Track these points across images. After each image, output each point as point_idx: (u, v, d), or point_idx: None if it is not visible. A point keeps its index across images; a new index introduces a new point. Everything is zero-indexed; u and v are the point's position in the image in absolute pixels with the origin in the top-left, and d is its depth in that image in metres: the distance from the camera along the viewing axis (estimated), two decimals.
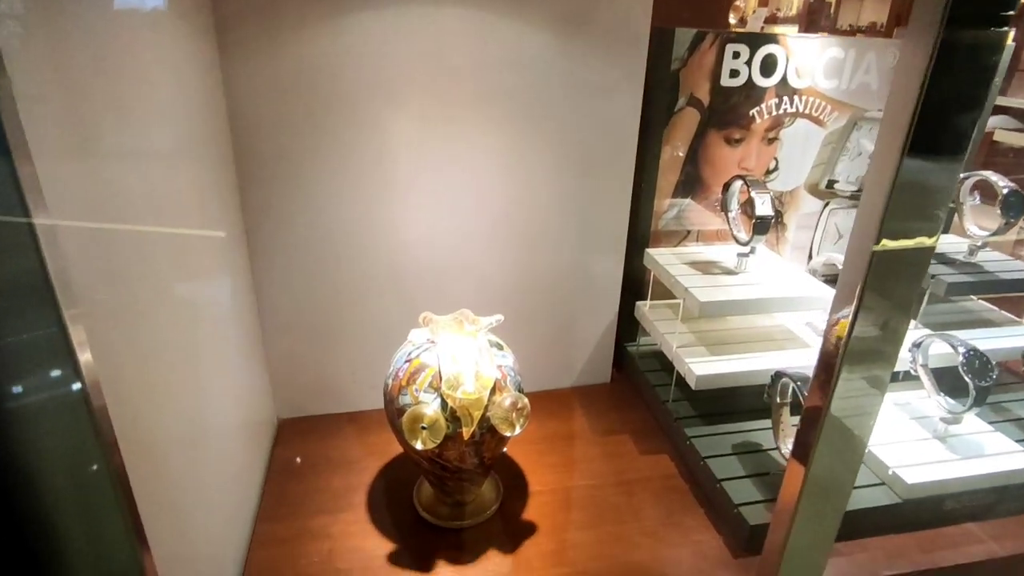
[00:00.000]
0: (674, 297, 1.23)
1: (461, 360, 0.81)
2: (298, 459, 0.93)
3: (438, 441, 0.77)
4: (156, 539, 0.56)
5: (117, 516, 0.50)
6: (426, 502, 0.93)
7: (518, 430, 0.80)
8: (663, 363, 1.23)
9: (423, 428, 0.77)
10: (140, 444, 0.59)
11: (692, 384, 1.00)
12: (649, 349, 1.30)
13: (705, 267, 1.14)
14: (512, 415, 0.80)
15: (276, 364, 1.07)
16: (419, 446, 0.77)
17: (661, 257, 1.18)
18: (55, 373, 0.44)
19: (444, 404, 0.78)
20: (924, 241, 0.62)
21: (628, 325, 1.27)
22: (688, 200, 1.25)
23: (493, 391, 0.80)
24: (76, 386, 0.46)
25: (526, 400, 0.83)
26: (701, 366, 1.02)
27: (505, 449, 1.03)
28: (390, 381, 0.84)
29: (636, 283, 1.25)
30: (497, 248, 1.07)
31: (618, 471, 1.00)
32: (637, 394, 1.21)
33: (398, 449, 1.03)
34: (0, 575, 0.45)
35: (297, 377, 1.10)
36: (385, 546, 0.87)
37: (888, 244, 0.61)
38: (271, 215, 0.97)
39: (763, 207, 1.05)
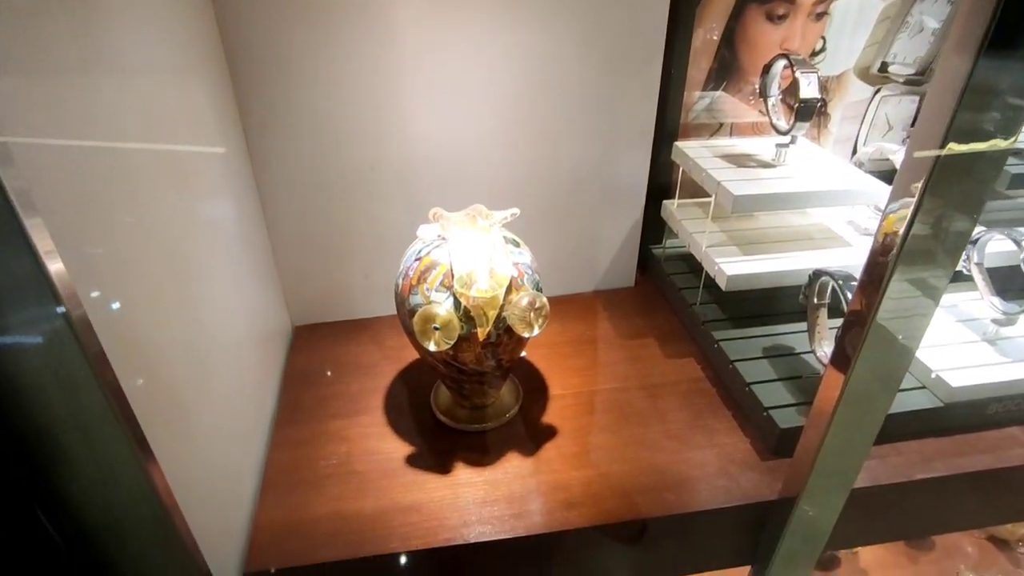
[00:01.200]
0: (704, 195, 1.19)
1: (474, 257, 0.77)
2: (328, 372, 0.93)
3: (452, 342, 0.74)
4: (165, 446, 0.56)
5: (115, 429, 0.50)
6: (444, 406, 0.92)
7: (536, 331, 0.77)
8: (690, 265, 1.21)
9: (435, 329, 0.74)
10: (141, 358, 0.58)
11: (723, 285, 0.96)
12: (675, 252, 1.25)
13: (739, 160, 1.06)
14: (529, 315, 0.77)
15: (287, 272, 1.06)
16: (432, 347, 0.75)
17: (691, 150, 1.10)
18: (34, 287, 0.44)
19: (457, 304, 0.75)
20: (999, 144, 0.54)
21: (653, 226, 1.23)
22: (721, 92, 1.16)
23: (509, 290, 0.76)
24: (59, 309, 0.45)
25: (544, 299, 0.78)
26: (732, 266, 0.97)
27: (524, 354, 1.03)
28: (400, 281, 0.81)
29: (663, 181, 1.19)
30: (513, 143, 1.02)
31: (642, 375, 0.99)
32: (662, 298, 1.18)
33: (414, 354, 1.02)
34: (9, 496, 0.47)
35: (309, 285, 1.08)
36: (403, 448, 0.87)
37: (956, 148, 0.54)
38: (272, 123, 0.93)
39: (809, 88, 0.95)
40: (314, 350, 1.06)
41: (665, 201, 1.19)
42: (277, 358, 1.01)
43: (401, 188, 1.03)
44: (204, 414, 0.70)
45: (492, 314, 0.76)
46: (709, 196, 1.08)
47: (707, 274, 1.01)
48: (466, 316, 0.75)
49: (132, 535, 0.55)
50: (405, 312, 0.79)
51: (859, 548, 1.49)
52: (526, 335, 0.77)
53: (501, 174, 1.06)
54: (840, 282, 0.88)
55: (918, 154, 0.55)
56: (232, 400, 0.78)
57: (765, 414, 0.86)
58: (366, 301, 1.12)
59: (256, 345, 0.90)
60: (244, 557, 0.75)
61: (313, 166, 0.98)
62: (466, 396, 0.88)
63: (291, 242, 1.04)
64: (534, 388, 0.96)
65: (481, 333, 0.76)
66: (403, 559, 0.75)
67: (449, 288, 0.75)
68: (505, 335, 0.78)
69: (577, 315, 1.13)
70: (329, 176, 1.00)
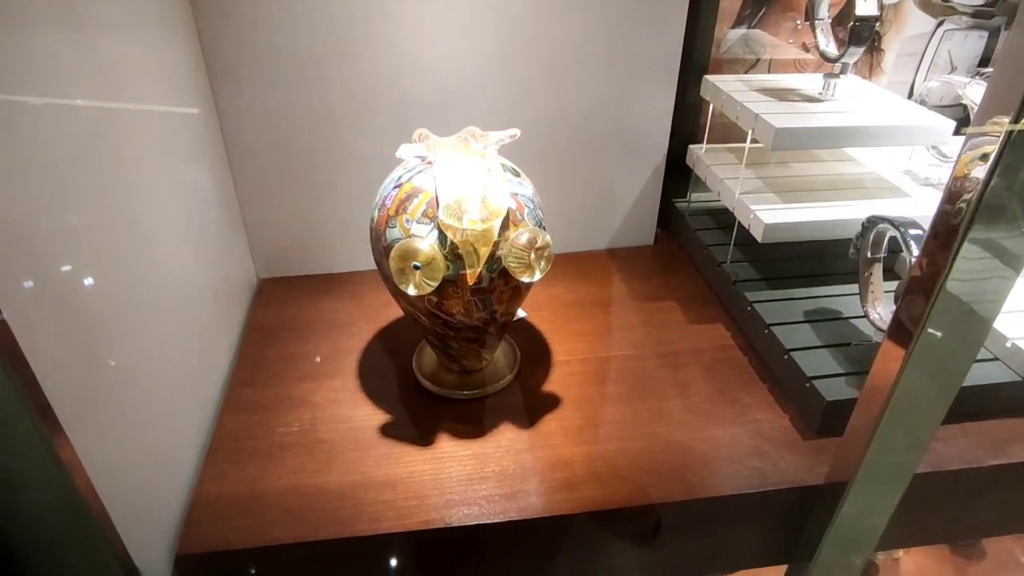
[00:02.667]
0: (737, 140, 1.12)
1: (465, 183, 0.70)
2: (318, 358, 0.88)
3: (435, 284, 0.68)
4: (77, 411, 0.54)
5: (8, 392, 0.45)
6: (428, 369, 0.87)
7: (537, 275, 0.71)
8: (719, 220, 1.14)
9: (416, 268, 0.68)
10: (45, 314, 0.52)
11: (759, 235, 0.90)
12: (702, 206, 1.18)
13: (782, 95, 0.97)
14: (529, 255, 0.70)
15: (253, 217, 1.01)
16: (412, 291, 0.69)
17: (724, 84, 1.01)
18: None
19: (443, 238, 0.69)
20: None
21: (677, 177, 1.16)
22: (757, 27, 1.06)
23: (505, 225, 0.70)
24: None
25: (547, 238, 0.71)
26: (770, 214, 0.90)
27: (523, 314, 0.98)
28: (376, 213, 0.74)
29: (689, 125, 1.11)
30: (514, 73, 0.96)
31: (661, 341, 0.94)
32: (686, 257, 1.13)
33: (397, 312, 0.98)
34: None
35: (278, 232, 1.03)
36: (378, 416, 0.82)
37: None
38: (238, 41, 0.88)
39: (866, 4, 0.85)
40: (281, 306, 1.01)
41: (692, 146, 1.11)
42: (236, 313, 0.96)
43: (386, 118, 0.96)
44: (138, 374, 0.65)
45: (484, 252, 0.69)
46: (743, 142, 1.01)
47: (739, 229, 0.97)
48: (453, 254, 0.69)
49: (29, 507, 0.49)
50: (381, 249, 0.73)
51: (903, 552, 1.39)
52: (525, 280, 0.71)
53: (499, 109, 0.98)
54: (901, 230, 0.77)
55: (1006, 81, 0.47)
56: (173, 359, 0.74)
57: (808, 385, 0.80)
58: (344, 252, 1.08)
59: (209, 299, 0.86)
60: (175, 536, 0.69)
61: (287, 92, 0.92)
62: (454, 358, 0.83)
63: (258, 183, 0.99)
64: (534, 352, 0.92)
65: (471, 275, 0.70)
66: (372, 543, 0.68)
67: (433, 219, 0.69)
68: (500, 280, 0.72)
69: (587, 275, 1.09)
70: (304, 104, 0.94)
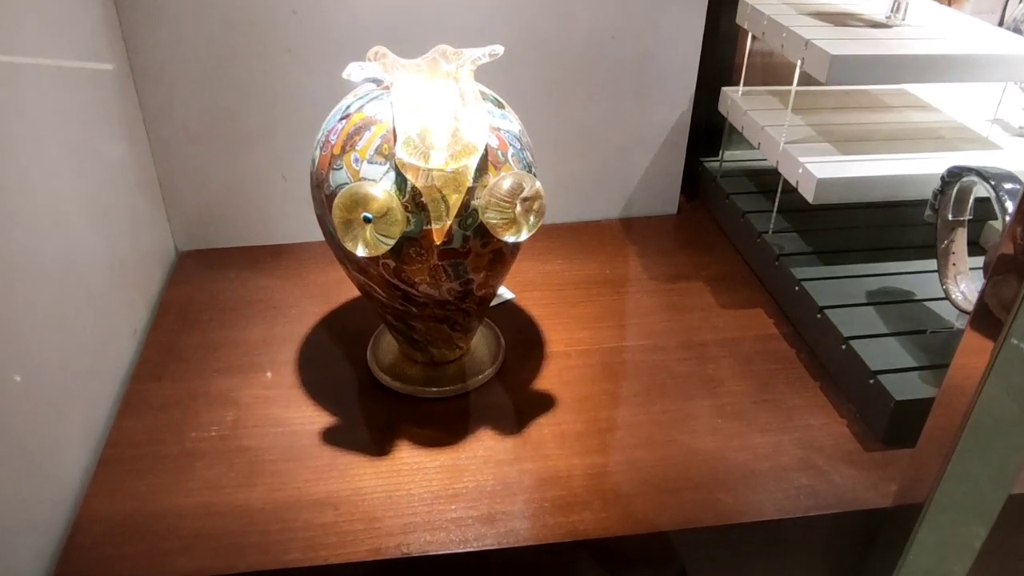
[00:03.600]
0: (782, 81, 1.13)
1: (431, 112, 0.68)
2: (268, 374, 0.87)
3: (391, 242, 0.67)
4: None
5: None
6: (387, 360, 0.87)
7: (524, 233, 0.70)
8: (759, 182, 1.14)
9: (366, 220, 0.66)
10: None
11: (809, 195, 0.89)
12: (737, 165, 1.18)
13: (838, 19, 0.96)
14: (514, 207, 0.69)
15: (171, 177, 1.03)
16: (361, 251, 0.67)
17: (766, 6, 0.99)
18: None
19: (402, 183, 0.67)
20: None
21: (707, 128, 1.15)
22: None
23: (483, 167, 0.69)
24: None
25: (538, 186, 0.69)
26: (824, 168, 0.90)
27: (510, 295, 0.99)
28: (317, 153, 0.73)
29: (721, 60, 1.09)
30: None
31: (687, 329, 0.94)
32: (717, 229, 1.15)
33: (350, 292, 0.98)
34: None
35: (203, 194, 1.04)
36: (319, 419, 0.81)
37: None
38: None
39: None
40: (204, 283, 1.01)
41: (725, 88, 1.10)
42: (145, 292, 0.97)
43: (336, 42, 0.95)
44: (8, 365, 0.64)
45: (455, 201, 0.67)
46: (788, 83, 1.01)
47: (784, 190, 0.96)
48: (415, 203, 0.68)
49: None
50: (323, 199, 0.72)
51: None
52: (508, 239, 0.69)
53: (480, 33, 0.97)
54: (992, 183, 0.75)
55: None
56: (56, 346, 0.73)
57: (871, 382, 0.80)
58: (286, 217, 1.07)
59: (107, 274, 0.86)
60: (50, 566, 0.67)
61: (213, 15, 0.93)
62: (419, 345, 0.82)
63: (177, 132, 1.00)
64: (523, 341, 0.92)
65: (438, 232, 0.68)
66: None
67: (390, 158, 0.68)
68: (476, 239, 0.70)
69: (592, 250, 1.09)
70: (233, 30, 0.93)
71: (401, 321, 0.78)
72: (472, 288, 0.74)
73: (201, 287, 0.99)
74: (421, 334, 0.79)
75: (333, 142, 0.70)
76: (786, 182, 0.94)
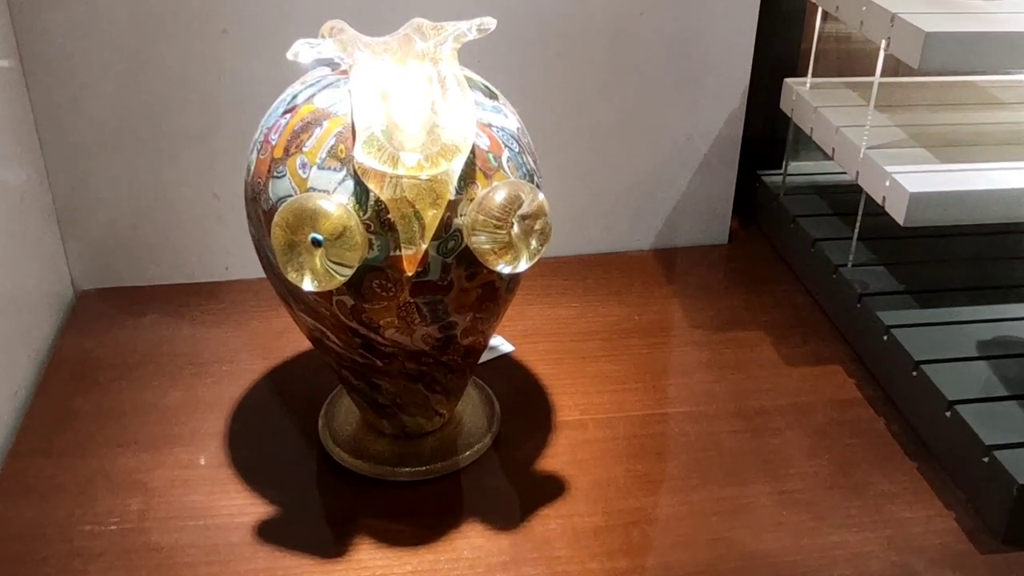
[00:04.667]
0: (860, 71, 1.15)
1: (400, 102, 0.69)
2: (202, 460, 0.87)
3: (348, 272, 0.67)
4: None
5: None
6: (345, 432, 0.88)
7: (524, 262, 0.70)
8: (834, 201, 1.16)
9: (316, 242, 0.66)
10: None
11: (899, 215, 0.90)
12: (806, 179, 1.20)
13: None
14: (509, 226, 0.68)
15: (68, 195, 1.05)
16: (308, 284, 0.67)
17: None
18: None
19: (363, 194, 0.68)
20: None
21: (765, 131, 1.17)
22: None
23: (470, 175, 0.69)
24: None
25: (541, 199, 0.70)
26: (918, 179, 0.91)
27: (508, 347, 1.00)
28: (254, 157, 0.74)
29: (783, 44, 1.13)
30: None
31: (741, 392, 0.96)
32: (780, 261, 1.17)
33: (300, 343, 0.97)
34: None
35: (112, 219, 1.07)
36: (254, 509, 0.81)
37: None
38: None
39: None
40: (108, 330, 1.03)
41: (789, 80, 1.12)
42: (31, 342, 0.98)
43: (283, 18, 0.96)
44: None
45: (433, 217, 0.67)
46: (869, 74, 1.02)
47: (868, 208, 0.98)
48: (379, 220, 0.68)
49: None
50: (259, 216, 0.72)
51: None
52: (503, 269, 0.70)
53: (471, 5, 0.97)
54: None
55: None
56: None
57: (986, 460, 0.80)
58: (217, 246, 1.09)
59: None
60: None
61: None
62: (386, 411, 0.83)
63: (78, 135, 1.01)
64: (524, 406, 0.93)
65: (410, 260, 0.68)
66: None
67: (347, 161, 0.68)
68: (460, 269, 0.71)
69: (617, 289, 1.12)
70: (149, 10, 0.96)
71: (363, 379, 0.78)
72: (455, 335, 0.74)
73: (105, 336, 1.00)
74: (389, 396, 0.80)
75: (274, 142, 0.70)
76: (869, 200, 0.94)
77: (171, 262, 1.08)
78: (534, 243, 0.69)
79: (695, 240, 1.17)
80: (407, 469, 0.82)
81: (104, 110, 0.99)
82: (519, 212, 0.68)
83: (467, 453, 0.84)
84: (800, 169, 1.19)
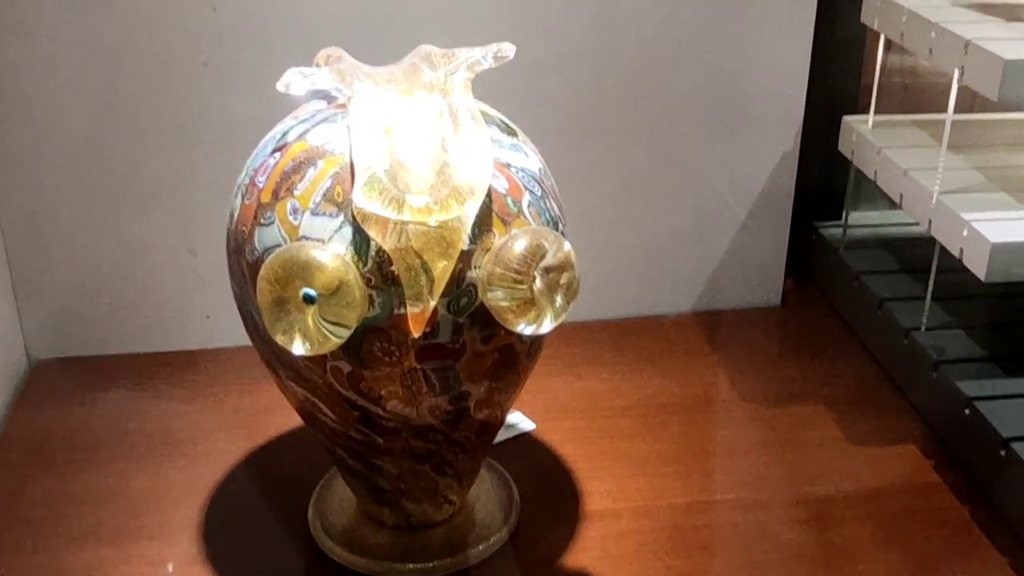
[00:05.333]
0: (929, 108, 1.15)
1: (405, 138, 0.70)
2: (170, 567, 0.88)
3: (345, 333, 0.67)
4: None
5: None
6: (338, 522, 0.88)
7: (548, 323, 0.70)
8: (903, 256, 1.17)
9: (308, 299, 0.66)
10: None
11: (980, 269, 0.90)
12: (870, 232, 1.21)
13: (1012, 11, 0.99)
14: (531, 281, 0.68)
15: (24, 252, 1.06)
16: (299, 347, 0.67)
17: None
18: None
19: (361, 244, 0.68)
20: None
21: (821, 180, 1.19)
22: None
23: (487, 221, 0.70)
24: None
25: (568, 249, 0.70)
26: (1001, 227, 0.92)
27: (528, 424, 0.99)
28: (238, 203, 0.75)
29: (841, 77, 1.15)
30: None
31: (800, 476, 0.96)
32: (842, 326, 1.17)
33: (287, 420, 0.99)
34: None
35: (72, 276, 1.08)
36: None
37: None
38: None
39: None
40: (66, 406, 1.04)
41: (849, 118, 1.13)
42: None
43: (271, 50, 0.98)
44: None
45: (443, 270, 0.68)
46: (939, 110, 1.04)
47: (943, 263, 0.99)
48: (381, 274, 0.68)
49: None
50: (243, 269, 0.73)
51: None
52: (524, 330, 0.70)
53: (475, 29, 0.99)
54: None
55: None
56: None
57: None
58: (193, 310, 1.10)
59: None
60: None
61: (87, 22, 0.97)
62: (387, 498, 0.84)
63: (35, 182, 1.03)
64: (548, 493, 0.94)
65: (416, 319, 0.68)
66: None
67: (344, 207, 0.69)
68: (473, 330, 0.71)
69: (654, 358, 1.13)
70: (121, 29, 0.97)
71: (361, 460, 0.78)
72: (468, 407, 0.74)
73: (62, 412, 1.01)
74: (391, 480, 0.79)
75: (261, 185, 0.71)
76: (944, 253, 0.94)
77: (140, 328, 1.08)
78: (559, 300, 0.69)
79: (743, 302, 1.17)
80: (411, 566, 0.82)
81: (66, 157, 1.01)
82: (542, 264, 0.68)
83: (481, 547, 0.84)
84: (862, 220, 1.20)
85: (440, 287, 0.67)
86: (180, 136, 1.01)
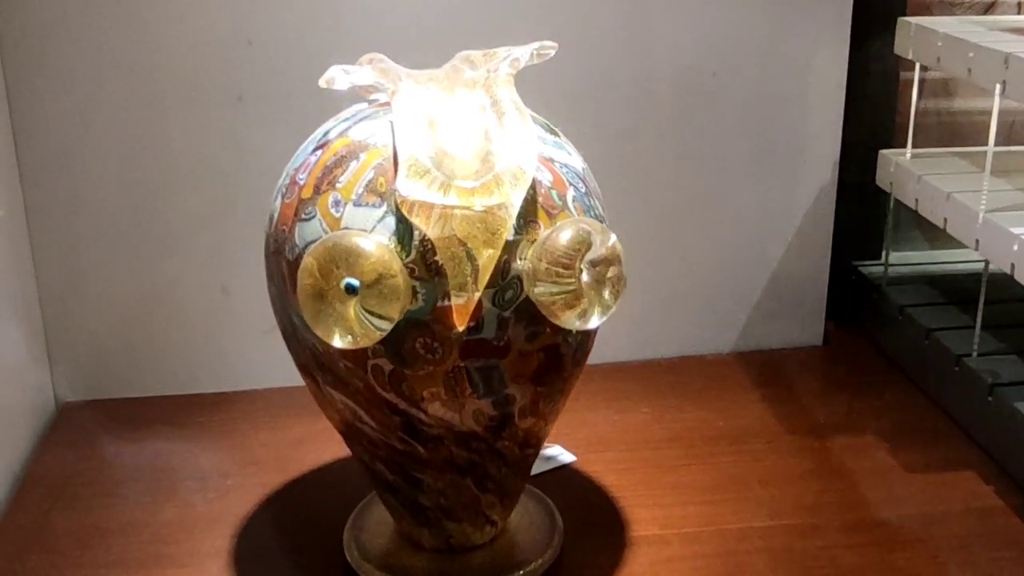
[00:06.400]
0: (966, 140, 1.16)
1: (449, 127, 0.70)
2: (119, 482, 0.95)
3: (388, 325, 0.66)
4: None
5: None
6: (378, 547, 0.87)
7: (595, 318, 0.70)
8: (948, 290, 1.17)
9: (350, 289, 0.65)
10: None
11: None
12: (910, 270, 1.21)
13: None
14: (578, 273, 0.68)
15: (55, 293, 1.06)
16: (339, 340, 0.66)
17: (943, 26, 1.03)
18: None
19: (405, 234, 0.67)
20: None
21: (860, 217, 1.18)
22: None
23: (532, 213, 0.69)
24: None
25: (615, 241, 0.69)
26: None
27: (569, 459, 0.99)
28: (278, 204, 0.74)
29: (873, 117, 1.15)
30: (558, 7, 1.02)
31: (856, 503, 0.96)
32: (887, 360, 1.18)
33: (318, 454, 1.00)
34: None
35: (103, 318, 1.08)
36: None
37: None
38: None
39: None
40: (95, 444, 1.05)
41: (885, 151, 1.14)
42: (8, 456, 1.00)
43: (308, 83, 0.94)
44: None
45: (489, 258, 0.67)
46: (977, 143, 1.06)
47: (992, 293, 0.99)
48: (425, 264, 0.67)
49: None
50: (283, 268, 0.72)
51: None
52: (571, 323, 0.69)
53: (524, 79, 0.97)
54: None
55: None
56: None
57: None
58: (226, 350, 1.10)
59: None
60: None
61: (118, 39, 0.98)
62: (427, 516, 0.82)
63: (68, 222, 1.03)
64: (592, 520, 0.93)
65: (461, 311, 0.67)
66: None
67: (387, 197, 0.68)
68: (519, 326, 0.70)
69: (696, 393, 1.14)
70: (153, 64, 0.99)
71: (401, 474, 0.77)
72: (512, 413, 0.73)
73: (89, 453, 1.01)
74: (432, 496, 0.78)
75: (302, 182, 0.71)
76: (992, 284, 0.94)
77: (170, 370, 1.09)
78: (607, 294, 0.68)
79: (784, 341, 1.17)
80: None
81: (101, 201, 1.03)
82: (589, 256, 0.67)
83: (523, 571, 0.82)
84: (905, 259, 1.20)
85: (485, 277, 0.66)
86: (213, 172, 1.02)
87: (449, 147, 0.68)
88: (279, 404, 1.07)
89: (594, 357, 1.06)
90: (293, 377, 0.90)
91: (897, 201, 1.13)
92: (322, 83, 0.75)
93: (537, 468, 0.91)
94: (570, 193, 0.72)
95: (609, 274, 0.69)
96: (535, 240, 0.68)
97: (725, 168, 1.08)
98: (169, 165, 1.01)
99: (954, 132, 1.22)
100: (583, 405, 1.03)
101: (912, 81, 1.12)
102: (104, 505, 0.93)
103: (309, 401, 0.83)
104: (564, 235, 0.67)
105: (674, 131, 1.06)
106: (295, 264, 0.68)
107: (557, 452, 0.97)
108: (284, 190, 0.74)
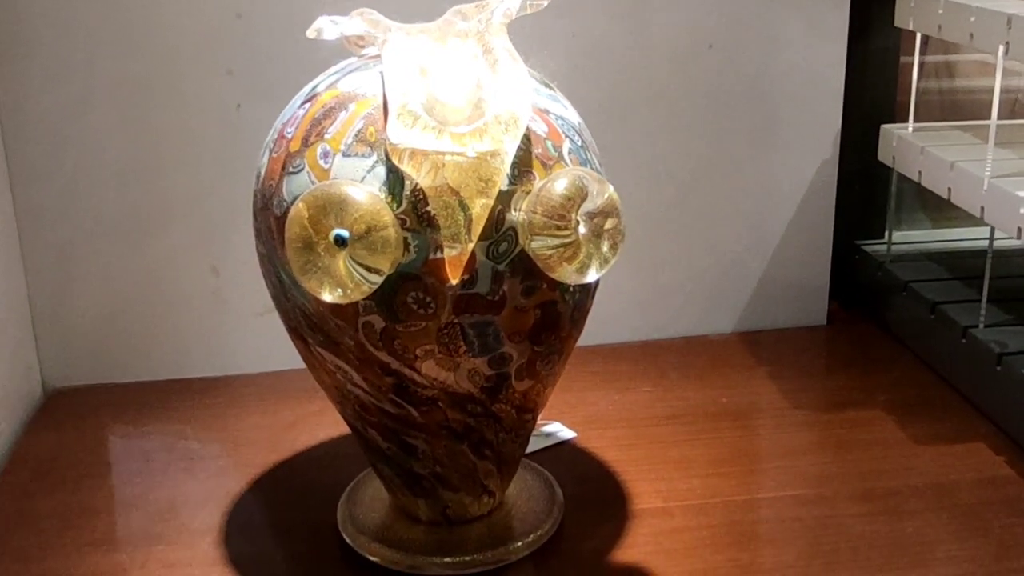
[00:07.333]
0: (968, 114, 1.16)
1: (441, 76, 0.69)
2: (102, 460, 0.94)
3: (378, 278, 0.65)
4: None
5: None
6: (370, 518, 0.87)
7: (593, 271, 0.69)
8: (952, 266, 1.17)
9: (339, 240, 0.64)
10: None
11: None
12: (913, 248, 1.21)
13: None
14: (573, 223, 0.67)
15: (43, 280, 1.06)
16: (328, 294, 0.65)
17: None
18: None
19: (395, 183, 0.67)
20: None
21: (861, 194, 1.18)
22: None
23: (527, 163, 0.68)
24: None
25: (611, 191, 0.68)
26: None
27: (568, 436, 0.98)
28: (265, 159, 0.74)
29: (874, 94, 1.15)
30: None
31: (865, 472, 0.95)
32: (891, 338, 1.20)
33: (310, 434, 1.00)
34: None
35: (91, 303, 1.08)
36: None
37: None
38: None
39: None
40: (81, 430, 1.04)
41: (887, 126, 1.13)
42: None
43: (298, 57, 0.97)
44: None
45: (482, 208, 0.66)
46: (980, 116, 1.04)
47: (997, 267, 1.00)
48: (416, 214, 0.66)
49: None
50: (270, 223, 0.71)
51: None
52: (569, 277, 0.68)
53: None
54: None
55: None
56: None
57: None
58: (216, 334, 1.10)
59: None
60: None
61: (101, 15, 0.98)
62: (423, 486, 0.82)
63: (54, 205, 1.03)
64: (592, 494, 0.93)
65: (454, 263, 0.66)
66: None
67: (377, 145, 0.68)
68: (514, 279, 0.69)
69: (698, 372, 1.14)
70: (138, 39, 0.99)
71: (394, 440, 0.76)
72: (509, 374, 0.72)
73: (76, 436, 1.01)
74: (427, 464, 0.77)
75: (290, 136, 0.70)
76: (997, 258, 0.97)
77: (159, 355, 1.09)
78: (605, 247, 0.67)
79: (787, 322, 1.17)
80: (447, 559, 0.80)
81: (85, 184, 1.02)
82: (585, 208, 0.66)
83: (519, 543, 0.82)
84: (907, 239, 1.21)
85: (479, 227, 0.65)
86: (201, 150, 1.03)
87: (441, 94, 0.67)
88: (270, 388, 1.07)
89: (594, 338, 1.06)
90: (284, 362, 0.90)
91: (900, 180, 1.13)
92: (310, 33, 0.74)
93: (535, 444, 0.91)
94: (566, 145, 0.71)
95: (607, 226, 0.67)
96: (530, 188, 0.67)
97: (721, 142, 1.09)
98: (154, 139, 1.01)
99: (955, 112, 1.21)
100: (583, 386, 1.04)
101: (912, 65, 1.12)
102: (91, 486, 0.93)
103: (301, 385, 0.83)
104: (559, 184, 0.66)
105: (665, 105, 1.06)
106: (283, 219, 0.67)
107: (556, 428, 0.96)
108: (272, 144, 0.74)
